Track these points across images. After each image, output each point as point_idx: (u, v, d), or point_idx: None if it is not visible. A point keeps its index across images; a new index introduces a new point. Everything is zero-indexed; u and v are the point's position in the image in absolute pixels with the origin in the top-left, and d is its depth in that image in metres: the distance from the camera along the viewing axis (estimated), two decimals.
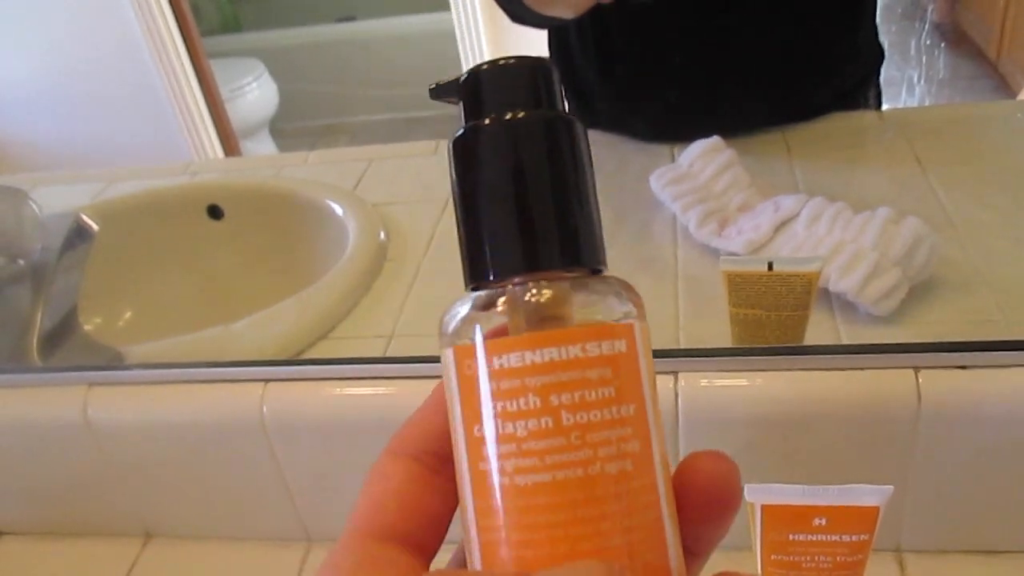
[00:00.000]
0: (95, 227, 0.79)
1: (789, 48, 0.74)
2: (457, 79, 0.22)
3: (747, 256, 0.62)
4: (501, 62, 0.22)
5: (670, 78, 0.76)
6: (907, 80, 0.99)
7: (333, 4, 2.24)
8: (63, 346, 0.73)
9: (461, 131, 0.21)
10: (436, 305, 0.22)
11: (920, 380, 0.48)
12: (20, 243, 0.73)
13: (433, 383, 0.23)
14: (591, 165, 0.22)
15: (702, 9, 0.72)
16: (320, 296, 0.71)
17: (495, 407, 0.20)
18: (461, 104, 0.22)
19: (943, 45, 1.03)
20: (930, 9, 1.03)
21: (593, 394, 0.19)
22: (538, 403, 0.19)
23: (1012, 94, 1.10)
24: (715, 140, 0.69)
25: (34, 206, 0.75)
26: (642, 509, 0.20)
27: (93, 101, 1.53)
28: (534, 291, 0.20)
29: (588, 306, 0.21)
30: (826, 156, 0.74)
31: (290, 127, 1.91)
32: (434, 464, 0.22)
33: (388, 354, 0.64)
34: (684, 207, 0.67)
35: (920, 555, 0.54)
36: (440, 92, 0.22)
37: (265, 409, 0.57)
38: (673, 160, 0.73)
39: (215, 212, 0.87)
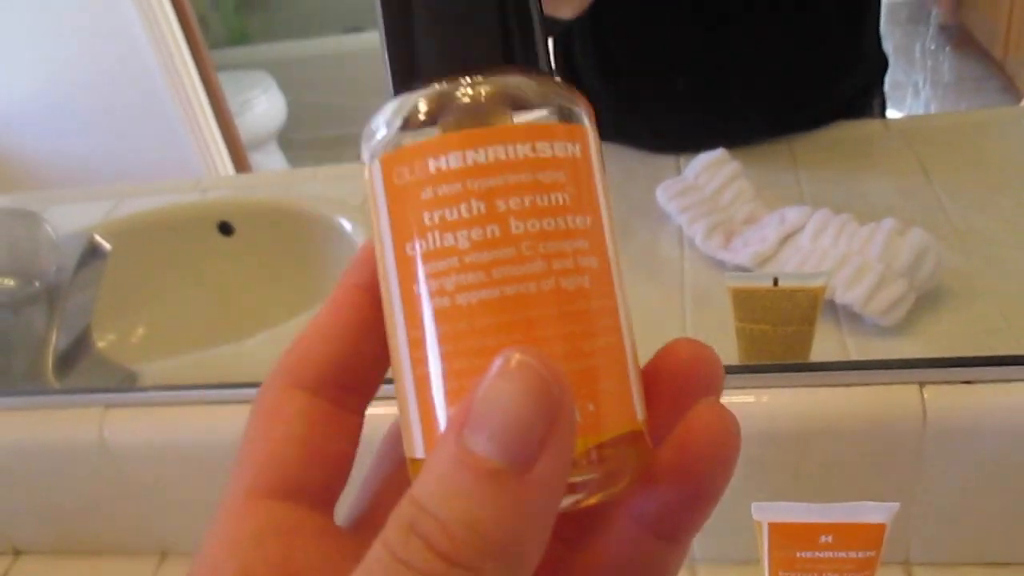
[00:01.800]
0: (108, 247, 0.80)
1: (792, 59, 0.74)
2: None
3: (753, 272, 0.62)
4: None
5: (674, 90, 0.76)
6: (912, 85, 0.99)
7: (340, 15, 2.24)
8: (78, 366, 0.74)
9: None
10: None
11: (925, 395, 0.48)
12: (36, 265, 0.74)
13: None
14: None
15: (705, 20, 0.73)
16: None
17: (432, 217, 0.17)
18: None
19: (947, 48, 1.02)
20: (934, 12, 1.03)
21: (546, 200, 0.17)
22: (483, 209, 0.17)
23: (1018, 94, 1.10)
24: (720, 152, 0.70)
25: (49, 228, 0.76)
26: (602, 332, 0.17)
27: (101, 116, 1.54)
28: (469, 87, 0.18)
29: (532, 105, 0.18)
30: (831, 166, 0.74)
31: (299, 139, 1.92)
32: (336, 396, 0.20)
33: None
34: (690, 219, 0.68)
35: (928, 568, 0.54)
36: None
37: None
38: (679, 171, 0.73)
39: (226, 229, 0.88)
